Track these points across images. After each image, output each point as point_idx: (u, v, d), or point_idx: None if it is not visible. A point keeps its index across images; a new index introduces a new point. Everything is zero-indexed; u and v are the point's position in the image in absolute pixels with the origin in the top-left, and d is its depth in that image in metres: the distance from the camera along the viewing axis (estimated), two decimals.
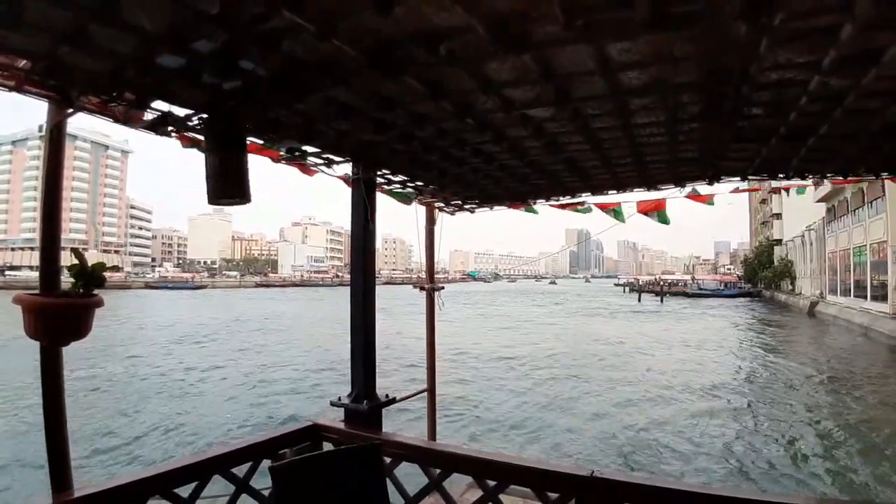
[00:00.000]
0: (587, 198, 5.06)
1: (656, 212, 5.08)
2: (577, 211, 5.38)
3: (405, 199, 4.72)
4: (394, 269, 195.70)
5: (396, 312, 37.77)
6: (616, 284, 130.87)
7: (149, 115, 2.48)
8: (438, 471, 2.92)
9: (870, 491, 7.61)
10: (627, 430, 10.86)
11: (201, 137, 2.61)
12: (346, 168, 3.66)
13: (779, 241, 67.31)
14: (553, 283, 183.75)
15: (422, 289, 4.98)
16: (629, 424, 11.25)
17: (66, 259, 2.20)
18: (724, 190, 4.79)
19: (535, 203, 5.37)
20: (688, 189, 4.50)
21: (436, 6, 1.70)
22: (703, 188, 4.51)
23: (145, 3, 1.66)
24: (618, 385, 15.14)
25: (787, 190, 5.91)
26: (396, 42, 1.94)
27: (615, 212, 5.19)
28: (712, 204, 5.01)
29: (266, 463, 2.89)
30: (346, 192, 3.73)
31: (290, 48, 1.97)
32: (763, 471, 8.52)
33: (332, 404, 3.63)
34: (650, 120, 2.89)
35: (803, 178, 4.32)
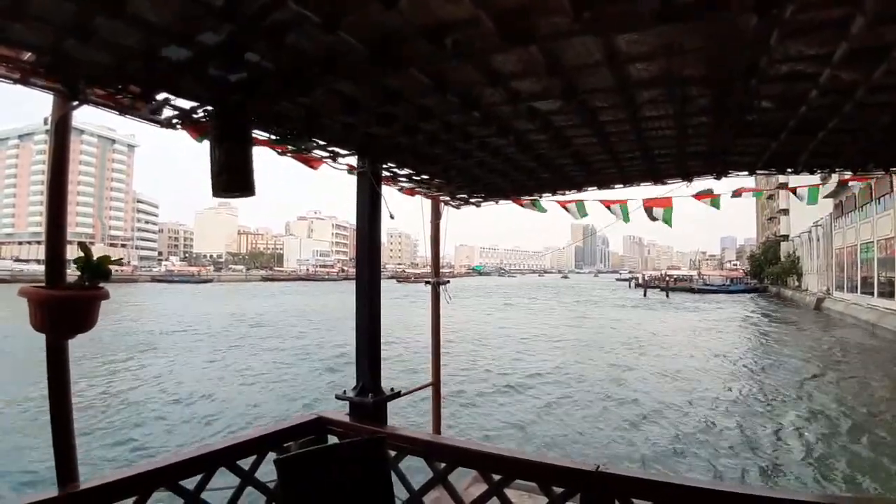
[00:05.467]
0: (592, 192, 5.04)
1: (662, 209, 5.05)
2: (578, 209, 5.36)
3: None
4: (399, 264, 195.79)
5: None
6: (618, 279, 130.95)
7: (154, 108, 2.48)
8: (443, 464, 2.92)
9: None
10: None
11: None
12: (352, 161, 3.65)
13: (786, 237, 66.99)
14: (566, 277, 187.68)
15: (427, 283, 4.97)
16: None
17: (74, 253, 2.20)
18: (730, 189, 4.77)
19: (541, 197, 5.35)
20: (695, 184, 4.48)
21: None
22: (710, 183, 4.48)
23: None
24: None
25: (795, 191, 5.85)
26: (402, 35, 1.93)
27: (622, 210, 5.16)
28: (717, 207, 4.97)
29: (271, 455, 2.89)
30: (353, 186, 3.72)
31: (296, 41, 1.96)
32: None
33: (338, 397, 3.63)
34: (658, 113, 2.87)
35: (812, 172, 4.28)
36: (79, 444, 2.27)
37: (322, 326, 29.17)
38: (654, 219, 5.10)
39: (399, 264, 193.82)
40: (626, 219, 5.14)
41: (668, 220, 5.06)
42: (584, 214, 5.44)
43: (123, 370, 16.75)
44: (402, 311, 35.07)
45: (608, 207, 5.20)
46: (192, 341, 23.70)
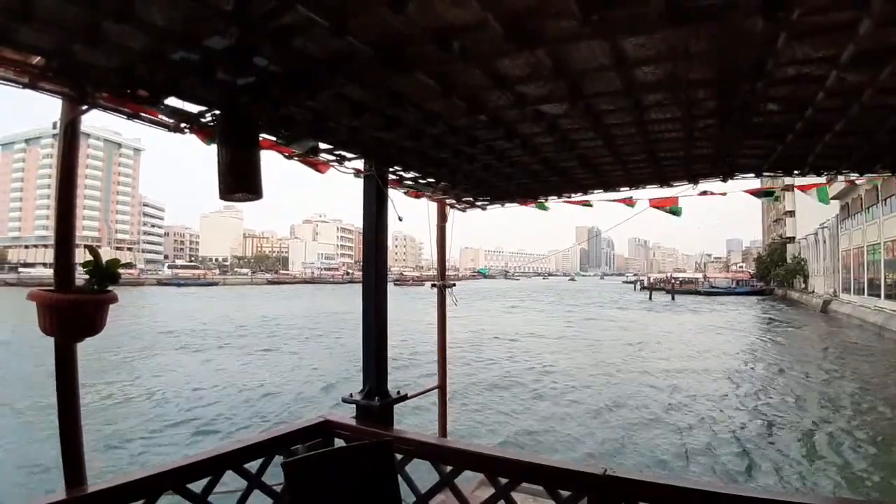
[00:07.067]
0: (599, 194, 5.03)
1: (668, 205, 5.05)
2: (585, 205, 5.35)
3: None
4: (404, 267, 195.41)
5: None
6: (624, 282, 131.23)
7: (162, 112, 2.50)
8: (450, 468, 2.91)
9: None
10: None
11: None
12: (359, 165, 3.65)
13: (792, 239, 66.65)
14: (573, 279, 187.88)
15: (433, 286, 4.98)
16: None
17: (81, 256, 2.21)
18: (737, 188, 4.74)
19: (546, 200, 5.34)
20: (701, 186, 4.45)
21: (449, 2, 1.69)
22: (717, 185, 4.46)
23: None
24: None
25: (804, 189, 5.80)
26: (409, 38, 1.93)
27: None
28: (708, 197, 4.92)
29: (278, 459, 2.90)
30: (358, 189, 3.73)
31: (303, 44, 1.97)
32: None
33: (344, 400, 3.63)
34: (664, 116, 2.86)
35: (819, 174, 4.26)
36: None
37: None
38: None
39: (404, 267, 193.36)
40: (633, 206, 5.14)
41: (676, 213, 5.06)
42: (588, 205, 5.43)
43: (198, 364, 18.77)
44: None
45: (619, 202, 5.18)
46: (246, 340, 25.26)
